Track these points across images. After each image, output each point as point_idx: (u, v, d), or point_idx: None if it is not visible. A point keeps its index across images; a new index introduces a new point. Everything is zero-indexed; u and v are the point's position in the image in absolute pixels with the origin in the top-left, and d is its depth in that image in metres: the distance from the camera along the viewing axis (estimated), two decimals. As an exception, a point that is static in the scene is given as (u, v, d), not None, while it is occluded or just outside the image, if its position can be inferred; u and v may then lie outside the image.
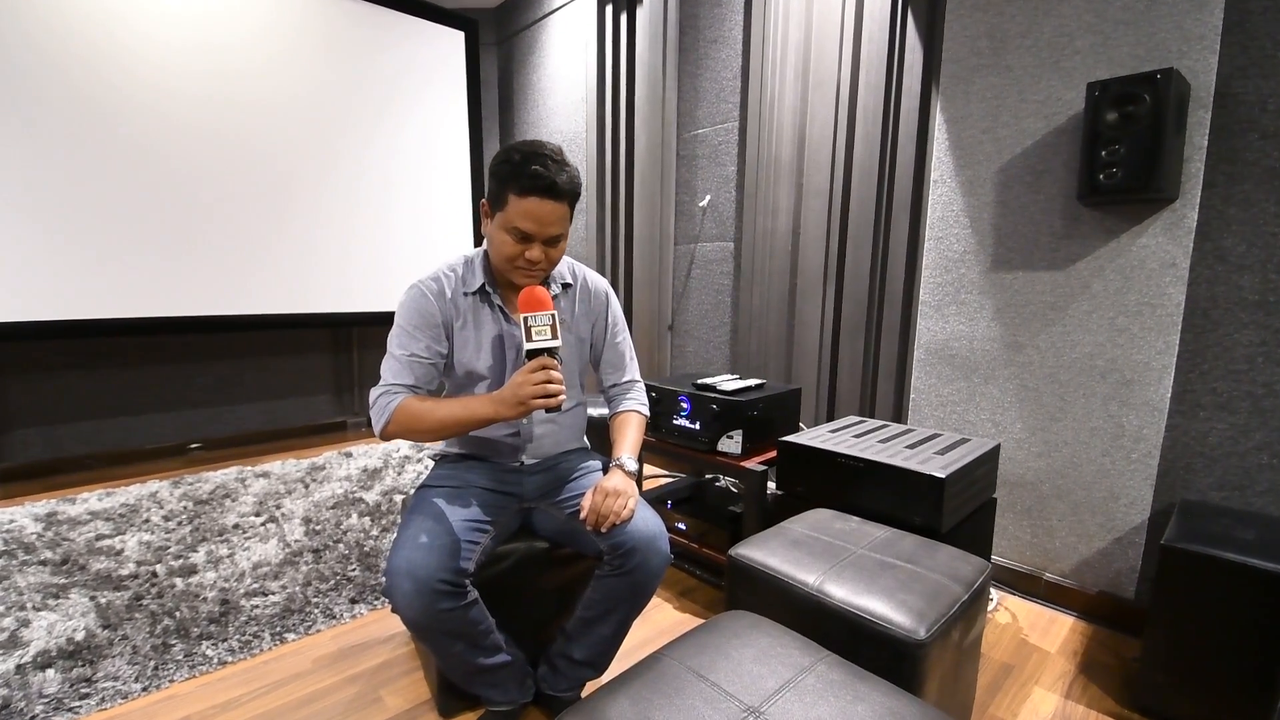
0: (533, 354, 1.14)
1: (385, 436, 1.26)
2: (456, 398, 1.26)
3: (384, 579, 1.14)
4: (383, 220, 3.53)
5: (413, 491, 1.40)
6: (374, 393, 1.27)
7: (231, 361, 3.41)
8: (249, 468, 2.97)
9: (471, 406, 1.20)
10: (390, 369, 1.27)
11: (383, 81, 3.47)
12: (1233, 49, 1.55)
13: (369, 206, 3.48)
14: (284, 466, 3.00)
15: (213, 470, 2.97)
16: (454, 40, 3.74)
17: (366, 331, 3.74)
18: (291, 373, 3.61)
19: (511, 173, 1.17)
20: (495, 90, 4.24)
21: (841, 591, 1.15)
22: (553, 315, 1.14)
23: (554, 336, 1.14)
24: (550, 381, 1.12)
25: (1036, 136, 1.85)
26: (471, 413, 1.20)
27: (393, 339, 1.30)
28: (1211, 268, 1.62)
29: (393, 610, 1.08)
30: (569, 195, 1.21)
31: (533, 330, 1.13)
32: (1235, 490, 1.62)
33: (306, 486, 2.71)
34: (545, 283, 1.36)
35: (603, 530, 1.19)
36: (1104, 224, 1.75)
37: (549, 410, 1.14)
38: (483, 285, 1.31)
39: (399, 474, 2.88)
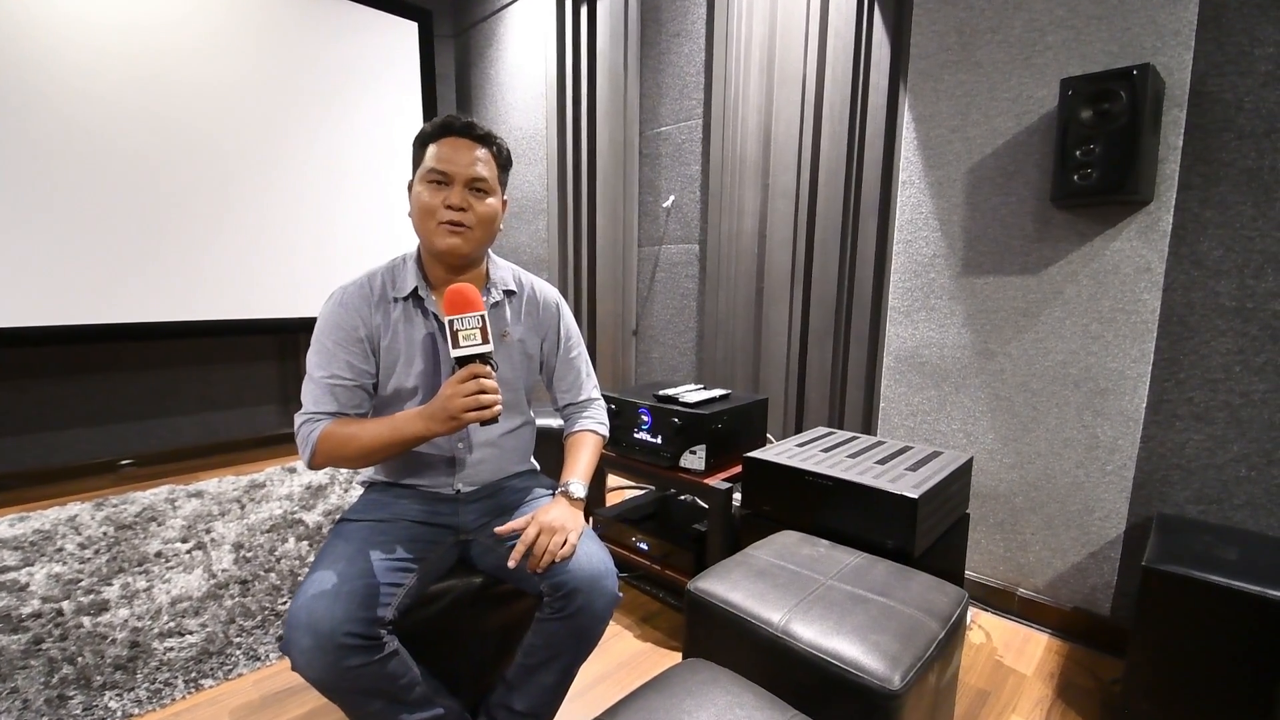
0: (462, 361, 1.00)
1: (314, 467, 1.14)
2: (384, 417, 1.12)
3: (282, 630, 0.99)
4: (331, 220, 3.33)
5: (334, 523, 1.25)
6: (297, 420, 1.13)
7: (167, 371, 3.18)
8: (182, 486, 2.76)
9: (399, 425, 1.07)
10: (310, 395, 1.13)
11: (331, 73, 3.28)
12: (1208, 45, 1.49)
13: (316, 205, 3.28)
14: (220, 484, 2.79)
15: (143, 490, 2.75)
16: (407, 31, 3.57)
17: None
18: (233, 382, 3.39)
19: (427, 131, 1.16)
20: (452, 84, 4.07)
21: (809, 632, 1.04)
22: (482, 316, 1.00)
23: (485, 340, 1.00)
24: (484, 391, 0.99)
25: (1007, 136, 1.78)
26: (399, 432, 1.06)
27: (311, 357, 1.16)
28: (1187, 272, 1.56)
29: (292, 668, 0.94)
30: (488, 140, 1.17)
31: (460, 335, 0.99)
32: (1213, 503, 1.57)
33: (242, 507, 2.52)
34: (486, 289, 1.24)
35: (539, 570, 1.06)
36: (1076, 227, 1.69)
37: (484, 424, 1.01)
38: (414, 289, 1.18)
39: (345, 491, 2.71)
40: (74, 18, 2.56)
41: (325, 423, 1.10)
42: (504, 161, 1.20)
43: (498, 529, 1.11)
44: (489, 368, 1.02)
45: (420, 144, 1.15)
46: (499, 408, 1.02)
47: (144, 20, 2.71)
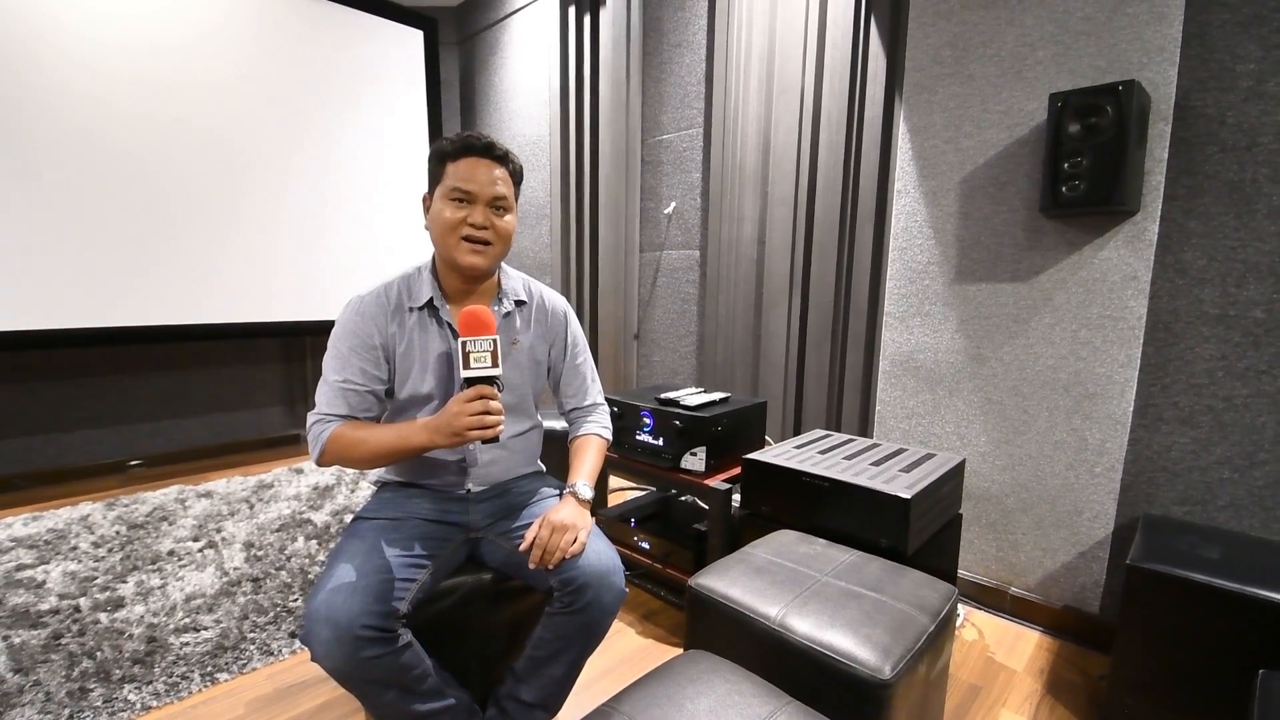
0: (471, 381, 1.06)
1: (322, 465, 1.20)
2: (392, 424, 1.18)
3: (302, 623, 1.04)
4: (337, 224, 3.38)
5: (348, 521, 1.30)
6: (309, 419, 1.20)
7: (175, 373, 3.24)
8: (191, 487, 2.81)
9: (405, 435, 1.12)
10: (324, 396, 1.20)
11: (338, 80, 3.33)
12: (1192, 61, 1.55)
13: (322, 210, 3.33)
14: (229, 485, 2.84)
15: (152, 490, 2.80)
16: (413, 39, 3.62)
17: (320, 341, 3.54)
18: (240, 384, 3.45)
19: (447, 148, 1.20)
20: (456, 91, 4.13)
21: (805, 626, 1.09)
22: (494, 340, 1.06)
23: (494, 364, 1.06)
24: (488, 412, 1.05)
25: (999, 147, 1.83)
26: (405, 441, 1.12)
27: (327, 361, 1.22)
28: (1172, 281, 1.62)
29: (312, 659, 0.99)
30: (506, 160, 1.22)
31: (471, 356, 1.05)
32: (1198, 505, 1.62)
33: (251, 507, 2.57)
34: (499, 298, 1.29)
35: (549, 567, 1.11)
36: (1066, 236, 1.74)
37: (486, 442, 1.07)
38: (429, 300, 1.23)
39: (352, 491, 2.76)
40: (84, 29, 2.61)
41: (336, 424, 1.16)
42: (518, 178, 1.26)
43: (520, 547, 1.16)
44: (495, 388, 1.08)
45: (439, 160, 1.20)
46: (501, 428, 1.08)
47: (152, 28, 2.77)
